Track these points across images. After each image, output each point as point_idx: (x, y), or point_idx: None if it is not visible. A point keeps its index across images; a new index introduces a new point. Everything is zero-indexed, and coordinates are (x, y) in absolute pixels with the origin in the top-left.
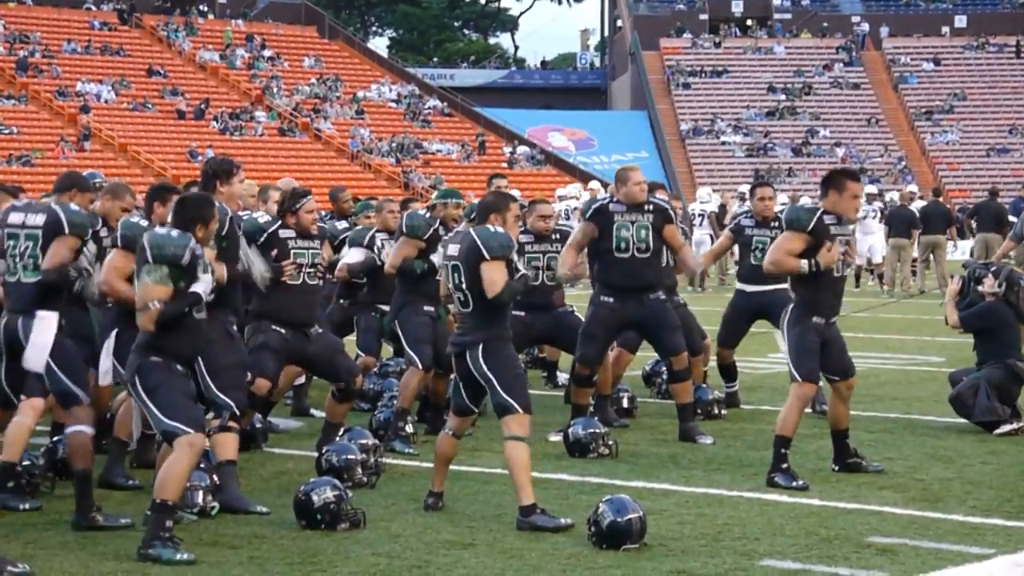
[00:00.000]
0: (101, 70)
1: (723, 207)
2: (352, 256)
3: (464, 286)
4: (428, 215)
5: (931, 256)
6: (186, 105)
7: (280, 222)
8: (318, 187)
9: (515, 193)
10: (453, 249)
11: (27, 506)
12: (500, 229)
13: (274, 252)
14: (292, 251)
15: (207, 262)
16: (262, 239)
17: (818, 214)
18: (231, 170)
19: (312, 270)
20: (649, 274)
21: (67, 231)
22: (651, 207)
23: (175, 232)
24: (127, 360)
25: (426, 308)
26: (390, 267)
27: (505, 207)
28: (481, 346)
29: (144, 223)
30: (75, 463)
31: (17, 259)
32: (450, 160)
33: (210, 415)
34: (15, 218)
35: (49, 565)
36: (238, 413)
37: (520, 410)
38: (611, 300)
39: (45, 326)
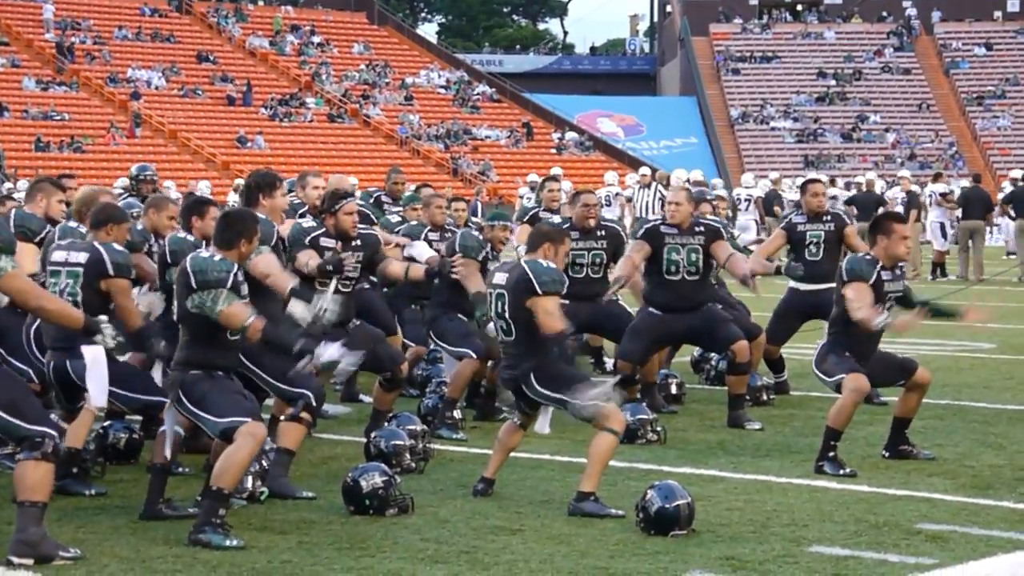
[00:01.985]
0: (152, 56)
1: (776, 193)
2: (419, 249)
3: (508, 315)
4: (480, 236)
5: (969, 242)
6: (236, 91)
7: (323, 229)
8: (367, 173)
9: (567, 184)
10: (500, 278)
11: (92, 492)
12: (552, 264)
13: None
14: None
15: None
16: (305, 243)
17: (877, 268)
18: (274, 183)
19: (347, 280)
20: (699, 295)
21: (111, 272)
22: (701, 228)
23: (217, 256)
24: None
25: (459, 315)
26: (472, 290)
27: (560, 240)
28: (533, 376)
29: (191, 238)
30: (157, 456)
31: (57, 296)
32: (499, 146)
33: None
34: (58, 256)
35: (100, 549)
36: (315, 403)
37: (607, 404)
38: (660, 313)
39: (96, 361)
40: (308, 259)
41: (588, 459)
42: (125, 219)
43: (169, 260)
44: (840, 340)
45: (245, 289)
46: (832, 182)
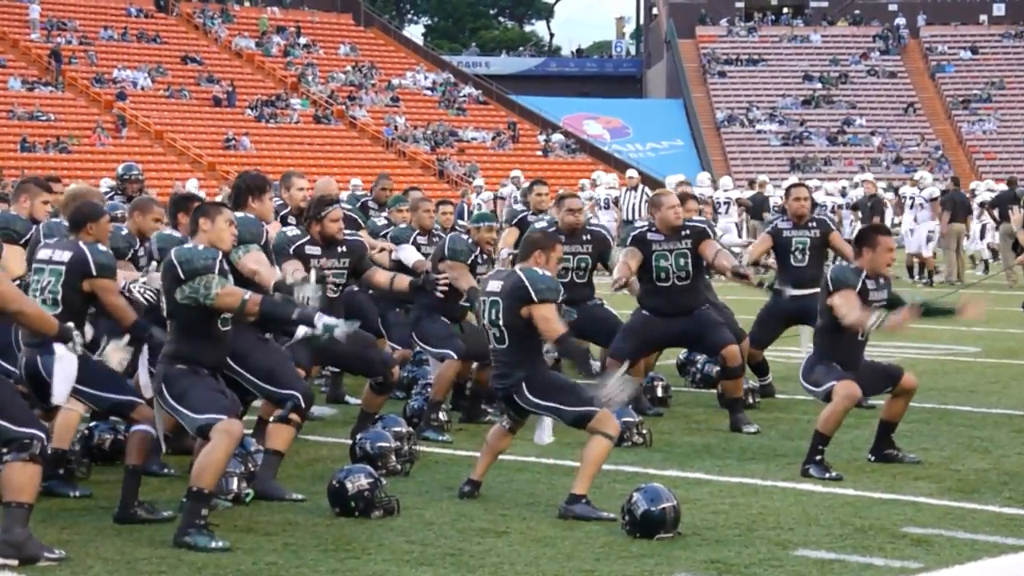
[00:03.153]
0: (138, 57)
1: (763, 196)
2: (407, 253)
3: (501, 322)
4: (468, 239)
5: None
6: (221, 92)
7: (307, 236)
8: (353, 175)
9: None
10: (495, 285)
11: (77, 493)
12: (547, 272)
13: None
14: (313, 268)
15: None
16: (291, 250)
17: (862, 277)
18: (263, 186)
19: (332, 285)
20: (691, 300)
21: (95, 272)
22: (687, 232)
23: (200, 246)
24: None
25: (442, 318)
26: (465, 288)
27: (551, 247)
28: (525, 385)
29: (177, 235)
30: (129, 458)
31: (38, 293)
32: (485, 148)
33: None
34: (43, 253)
35: (85, 551)
36: (303, 404)
37: (599, 408)
38: (654, 317)
39: (64, 359)
40: (293, 270)
41: (582, 462)
42: (102, 214)
43: (157, 257)
44: (826, 351)
45: (231, 278)
46: (842, 191)
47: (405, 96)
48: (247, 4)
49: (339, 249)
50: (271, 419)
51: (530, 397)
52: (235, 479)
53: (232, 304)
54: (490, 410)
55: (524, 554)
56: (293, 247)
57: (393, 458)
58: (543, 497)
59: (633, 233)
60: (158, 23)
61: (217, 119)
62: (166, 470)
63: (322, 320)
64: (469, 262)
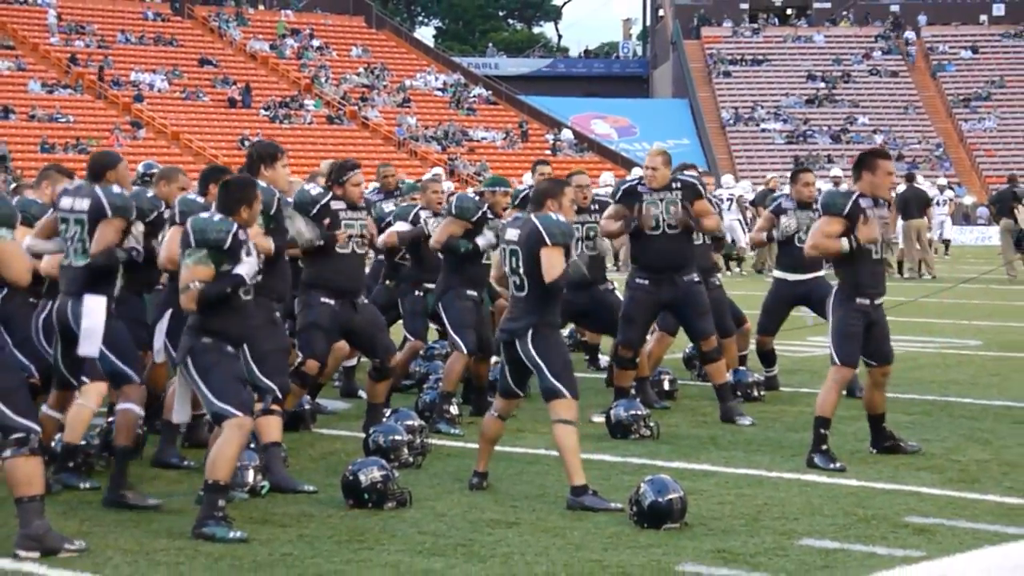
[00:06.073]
0: (154, 60)
1: (771, 192)
2: (399, 227)
3: (521, 270)
4: (478, 199)
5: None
6: (237, 94)
7: (331, 194)
8: (365, 174)
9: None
10: (512, 234)
11: (87, 485)
12: (561, 217)
13: (326, 222)
14: (343, 222)
15: (251, 245)
16: (314, 211)
17: (854, 197)
18: (275, 154)
19: (360, 239)
20: (681, 252)
21: (110, 214)
22: (679, 184)
23: (217, 217)
24: (179, 340)
25: (470, 292)
26: (435, 242)
27: (560, 192)
28: (530, 332)
29: (201, 200)
30: (118, 439)
31: (68, 243)
32: (494, 147)
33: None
34: (65, 202)
35: (105, 542)
36: (281, 397)
37: (568, 395)
38: (646, 283)
39: (94, 310)
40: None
41: (561, 456)
42: (119, 161)
43: (178, 221)
44: (849, 280)
45: (250, 247)
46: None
47: (416, 97)
48: (261, 8)
49: (360, 209)
50: (256, 415)
51: (528, 346)
52: (251, 471)
53: (181, 283)
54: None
55: (534, 544)
56: (316, 207)
57: (405, 451)
58: (552, 489)
59: (624, 187)
60: (174, 27)
61: (232, 120)
62: (185, 462)
63: (244, 269)
64: (475, 219)
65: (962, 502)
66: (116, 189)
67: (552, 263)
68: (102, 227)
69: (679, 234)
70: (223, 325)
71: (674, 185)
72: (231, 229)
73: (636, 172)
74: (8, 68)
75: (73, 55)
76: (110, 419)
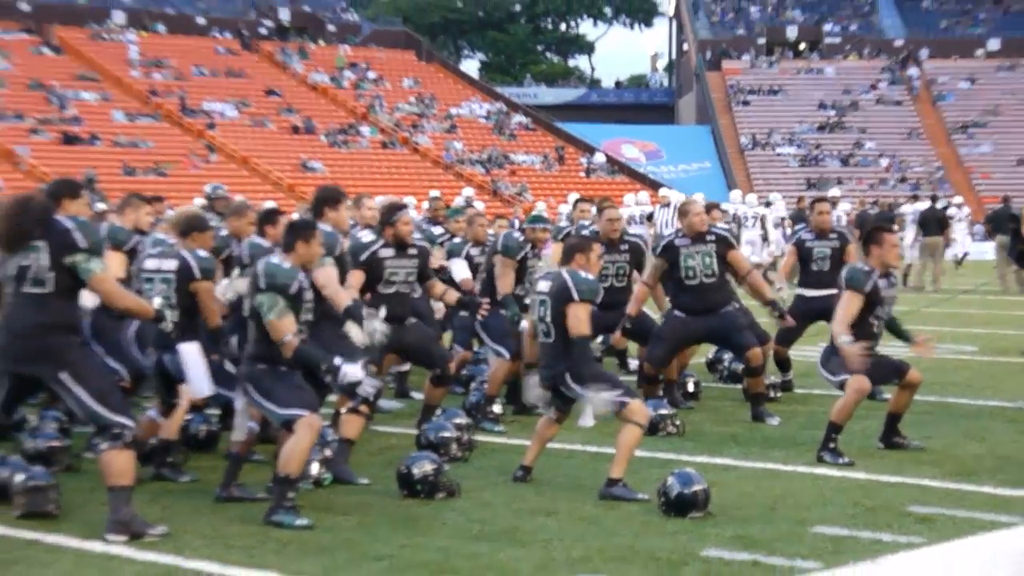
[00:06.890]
0: (225, 91)
1: (801, 213)
2: (458, 268)
3: (549, 319)
4: (521, 237)
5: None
6: (300, 121)
7: (382, 241)
8: (416, 194)
9: (592, 209)
10: (544, 285)
11: (186, 479)
12: (590, 275)
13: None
14: (387, 270)
15: (309, 292)
16: (364, 256)
17: (873, 278)
18: (339, 198)
19: (405, 283)
20: (717, 297)
21: (199, 277)
22: (713, 237)
23: (287, 264)
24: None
25: (503, 314)
26: (502, 290)
27: (589, 248)
28: (568, 375)
29: (266, 244)
30: (232, 446)
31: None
32: (533, 170)
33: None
34: (150, 264)
35: (184, 528)
36: (371, 398)
37: (631, 399)
38: (684, 316)
39: (192, 358)
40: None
41: (616, 448)
42: (208, 227)
43: (246, 262)
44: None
45: (310, 295)
46: (884, 205)
47: (462, 124)
48: (322, 43)
49: (409, 251)
50: (343, 411)
51: (571, 387)
52: (316, 465)
53: (275, 336)
54: (530, 404)
55: (572, 531)
56: (366, 253)
57: (454, 446)
58: (587, 481)
59: (663, 243)
60: (243, 60)
61: (295, 145)
62: (255, 456)
63: (347, 377)
64: (519, 258)
65: (960, 493)
66: (203, 253)
67: (579, 317)
68: (203, 296)
69: (715, 281)
70: (277, 354)
71: (708, 237)
72: (297, 276)
73: (663, 192)
74: (95, 99)
75: (152, 87)
76: (187, 417)
